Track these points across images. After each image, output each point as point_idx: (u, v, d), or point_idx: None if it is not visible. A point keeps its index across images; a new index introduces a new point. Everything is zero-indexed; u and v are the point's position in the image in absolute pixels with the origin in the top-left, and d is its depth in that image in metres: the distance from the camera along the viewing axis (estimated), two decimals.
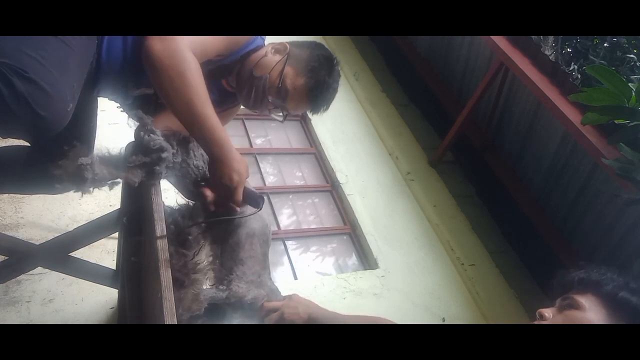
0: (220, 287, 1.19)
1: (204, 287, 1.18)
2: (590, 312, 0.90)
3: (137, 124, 1.15)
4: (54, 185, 1.06)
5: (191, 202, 1.26)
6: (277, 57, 1.36)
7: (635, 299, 0.88)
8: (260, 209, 1.20)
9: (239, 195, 1.17)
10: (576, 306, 0.92)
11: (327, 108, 1.43)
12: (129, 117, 1.54)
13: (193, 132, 1.13)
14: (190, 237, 1.15)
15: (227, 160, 1.13)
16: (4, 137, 1.26)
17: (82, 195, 1.08)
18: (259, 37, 1.43)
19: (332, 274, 2.54)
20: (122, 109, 1.55)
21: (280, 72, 1.32)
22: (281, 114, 1.40)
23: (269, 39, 1.51)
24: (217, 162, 1.13)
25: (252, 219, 1.28)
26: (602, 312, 0.90)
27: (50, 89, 1.04)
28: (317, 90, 1.35)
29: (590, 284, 0.93)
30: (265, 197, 2.88)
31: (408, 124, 3.51)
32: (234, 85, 1.46)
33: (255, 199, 1.20)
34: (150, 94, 1.43)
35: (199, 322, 1.11)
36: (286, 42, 1.40)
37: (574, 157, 2.61)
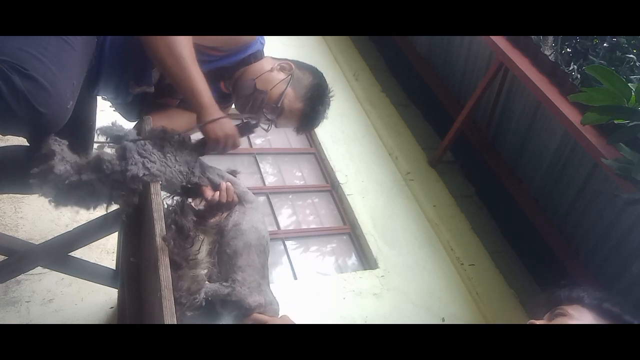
0: (225, 283, 1.20)
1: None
2: (579, 319, 0.98)
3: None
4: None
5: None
6: (282, 76, 1.41)
7: (616, 308, 0.98)
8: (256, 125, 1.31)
9: (236, 134, 1.26)
10: (565, 314, 1.00)
11: (312, 130, 1.53)
12: (122, 116, 1.55)
13: (183, 88, 1.20)
14: (190, 234, 1.16)
15: (216, 107, 1.23)
16: (3, 135, 1.26)
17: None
18: (259, 41, 1.44)
19: (332, 274, 2.54)
20: (114, 109, 1.56)
21: (282, 92, 1.38)
22: (267, 125, 1.45)
23: (269, 40, 1.51)
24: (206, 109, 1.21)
25: (248, 231, 1.29)
26: (589, 320, 0.98)
27: (50, 86, 1.04)
28: (310, 117, 1.44)
29: (576, 297, 1.03)
30: (265, 197, 2.88)
31: (408, 124, 3.51)
32: (231, 89, 1.47)
33: (251, 124, 1.31)
34: (151, 92, 1.44)
35: (196, 314, 1.11)
36: (291, 62, 1.45)
37: (574, 157, 2.61)
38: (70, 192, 1.08)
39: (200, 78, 1.21)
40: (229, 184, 1.32)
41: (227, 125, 1.24)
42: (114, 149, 1.13)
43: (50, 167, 1.04)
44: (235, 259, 1.25)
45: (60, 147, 1.07)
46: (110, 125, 1.17)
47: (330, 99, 1.49)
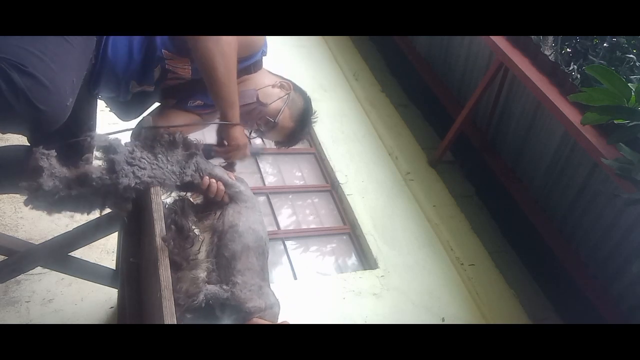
0: (224, 287, 1.19)
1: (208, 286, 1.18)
2: None
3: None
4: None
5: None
6: (281, 93, 1.50)
7: None
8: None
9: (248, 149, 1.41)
10: None
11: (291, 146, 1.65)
12: (117, 116, 1.56)
13: (222, 97, 1.29)
14: (190, 234, 1.16)
15: (240, 126, 1.36)
16: (3, 133, 1.26)
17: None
18: (262, 50, 1.50)
19: (332, 274, 2.54)
20: (110, 109, 1.56)
21: (280, 109, 1.48)
22: (257, 134, 1.55)
23: (270, 41, 1.52)
24: (233, 126, 1.33)
25: (246, 233, 1.29)
26: None
27: (50, 83, 1.04)
28: (296, 136, 1.56)
29: None
30: (265, 197, 2.88)
31: (408, 124, 3.51)
32: None
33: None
34: (150, 91, 1.44)
35: (196, 316, 1.11)
36: (290, 83, 1.54)
37: (574, 157, 2.61)
38: (61, 204, 1.07)
39: (236, 91, 1.30)
40: (212, 180, 1.31)
41: (244, 136, 1.38)
42: (103, 161, 1.12)
43: (39, 184, 1.02)
44: (234, 263, 1.24)
45: (48, 161, 1.04)
46: (99, 134, 1.15)
47: (314, 122, 1.62)
